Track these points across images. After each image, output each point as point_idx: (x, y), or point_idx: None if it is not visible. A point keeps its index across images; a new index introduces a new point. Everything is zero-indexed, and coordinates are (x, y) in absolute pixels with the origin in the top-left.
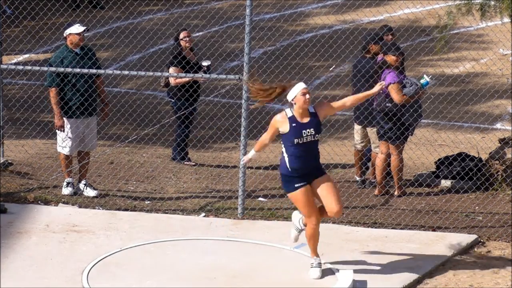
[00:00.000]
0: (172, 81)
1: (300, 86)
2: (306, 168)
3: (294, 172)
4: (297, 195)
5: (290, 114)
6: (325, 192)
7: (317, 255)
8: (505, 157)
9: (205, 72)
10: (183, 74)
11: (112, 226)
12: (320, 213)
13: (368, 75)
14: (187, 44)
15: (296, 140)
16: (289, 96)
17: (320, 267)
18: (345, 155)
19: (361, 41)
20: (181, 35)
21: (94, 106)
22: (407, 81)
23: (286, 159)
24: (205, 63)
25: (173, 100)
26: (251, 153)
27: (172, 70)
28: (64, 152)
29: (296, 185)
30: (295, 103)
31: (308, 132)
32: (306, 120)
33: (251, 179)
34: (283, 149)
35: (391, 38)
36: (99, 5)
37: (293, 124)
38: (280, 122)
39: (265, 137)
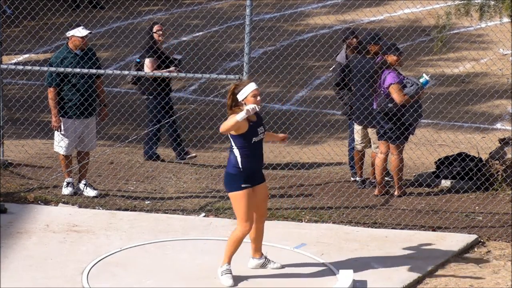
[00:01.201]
0: (147, 69)
1: (251, 87)
2: (256, 167)
3: (244, 172)
4: (241, 195)
5: None
6: (262, 201)
7: (230, 262)
8: (505, 157)
9: (176, 66)
10: (174, 72)
11: (112, 226)
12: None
13: (368, 75)
14: (160, 38)
15: (254, 139)
16: (240, 96)
17: (231, 274)
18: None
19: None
20: (154, 29)
21: (94, 106)
22: (408, 81)
23: (239, 159)
24: (176, 57)
25: (146, 96)
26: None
27: (148, 61)
28: (60, 152)
29: (243, 185)
30: (245, 103)
31: (260, 130)
32: (255, 118)
33: None
34: (235, 149)
35: (355, 42)
36: (99, 5)
37: (251, 123)
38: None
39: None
